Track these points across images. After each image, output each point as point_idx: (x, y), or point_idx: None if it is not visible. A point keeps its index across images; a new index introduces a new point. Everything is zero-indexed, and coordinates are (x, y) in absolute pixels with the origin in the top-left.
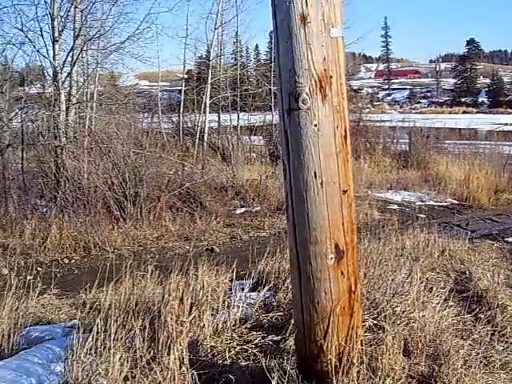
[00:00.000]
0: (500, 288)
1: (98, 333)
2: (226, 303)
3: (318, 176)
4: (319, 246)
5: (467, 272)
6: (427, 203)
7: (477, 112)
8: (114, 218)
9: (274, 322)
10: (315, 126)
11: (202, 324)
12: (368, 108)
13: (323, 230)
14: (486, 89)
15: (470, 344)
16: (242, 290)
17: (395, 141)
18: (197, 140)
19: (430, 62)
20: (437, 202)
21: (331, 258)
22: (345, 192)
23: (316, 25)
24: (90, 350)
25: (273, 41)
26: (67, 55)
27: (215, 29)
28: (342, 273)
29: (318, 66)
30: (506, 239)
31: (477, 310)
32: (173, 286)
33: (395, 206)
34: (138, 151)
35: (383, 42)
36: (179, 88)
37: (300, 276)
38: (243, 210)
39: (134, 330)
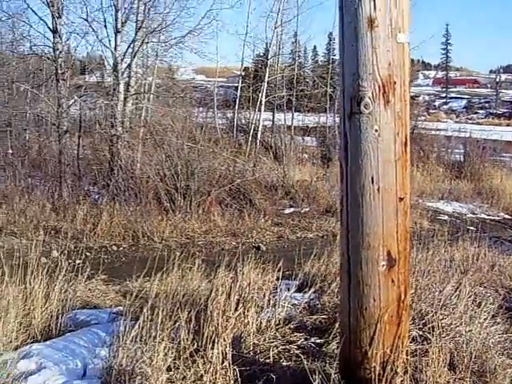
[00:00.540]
0: None
1: (144, 321)
2: (271, 302)
3: (375, 181)
4: (371, 252)
5: None
6: (478, 216)
7: None
8: (163, 209)
9: (318, 325)
10: (376, 131)
11: (246, 321)
12: (424, 116)
13: (376, 236)
14: None
15: None
16: (288, 290)
17: (449, 150)
18: (250, 137)
19: (490, 72)
20: (489, 215)
21: (383, 265)
22: (401, 199)
23: (383, 29)
24: (136, 337)
25: (338, 43)
26: (128, 46)
27: (275, 28)
28: (393, 281)
29: (383, 71)
30: None
31: None
32: (220, 281)
33: (446, 217)
34: (192, 145)
35: (443, 49)
36: (235, 85)
37: (350, 281)
38: (292, 210)
39: (180, 321)
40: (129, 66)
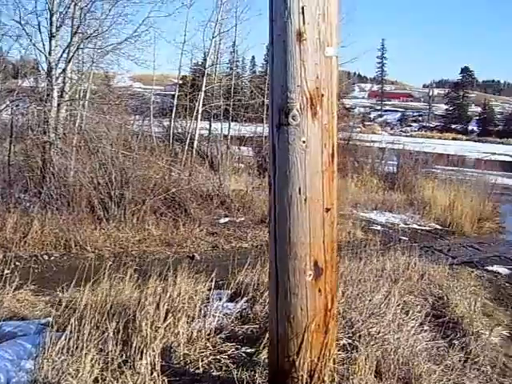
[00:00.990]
0: (476, 316)
1: (71, 332)
2: (203, 312)
3: (302, 192)
4: (299, 262)
5: (445, 297)
6: (410, 226)
7: (466, 139)
8: (97, 217)
9: (249, 334)
10: (303, 142)
11: (176, 331)
12: (359, 127)
13: (304, 246)
14: (477, 117)
15: (442, 369)
16: (220, 299)
17: (383, 162)
18: (186, 146)
19: (424, 86)
20: (420, 225)
21: (310, 275)
22: (328, 210)
23: (311, 43)
24: (62, 349)
25: (268, 55)
26: (63, 51)
27: (213, 37)
28: (320, 290)
29: (311, 83)
30: (486, 267)
31: (451, 336)
32: (150, 290)
33: (379, 227)
34: (127, 153)
35: (379, 63)
36: (173, 93)
37: (277, 290)
38: (227, 219)
39: (108, 332)
40: (63, 71)
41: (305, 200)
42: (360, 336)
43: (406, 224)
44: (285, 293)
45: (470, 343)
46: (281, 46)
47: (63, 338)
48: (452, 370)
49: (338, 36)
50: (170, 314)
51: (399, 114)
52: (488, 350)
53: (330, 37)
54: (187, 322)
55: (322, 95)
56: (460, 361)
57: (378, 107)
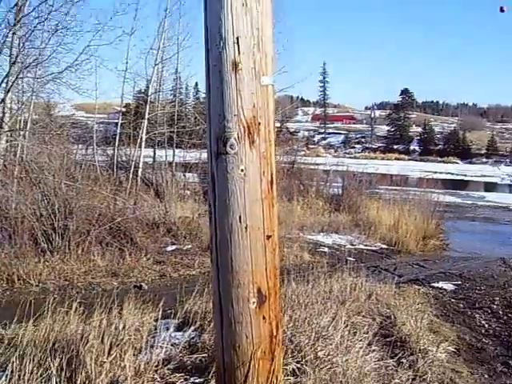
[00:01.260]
0: (423, 333)
1: (12, 372)
2: (150, 343)
3: (242, 220)
4: (242, 290)
5: (392, 316)
6: (357, 247)
7: (408, 159)
8: (40, 250)
9: (198, 364)
10: (242, 171)
11: (123, 364)
12: (303, 150)
13: (246, 274)
14: (418, 137)
15: None
16: (168, 329)
17: (328, 184)
18: (131, 174)
19: (366, 108)
20: (366, 245)
21: (253, 302)
22: (269, 237)
23: (247, 72)
24: None
25: (205, 85)
26: (1, 81)
27: (155, 65)
28: (264, 317)
29: (247, 112)
30: (432, 284)
31: (399, 354)
32: (95, 323)
33: (326, 249)
34: (70, 183)
35: (321, 86)
36: (116, 121)
37: (222, 319)
38: (174, 247)
39: (51, 369)
40: (2, 101)
41: (245, 228)
42: (308, 360)
43: (353, 245)
44: (229, 321)
45: (418, 361)
46: (217, 75)
47: (3, 378)
48: None
49: (274, 65)
50: (116, 348)
51: (342, 136)
52: (435, 366)
53: (266, 66)
54: (134, 355)
55: (259, 123)
56: (408, 379)
57: (322, 130)
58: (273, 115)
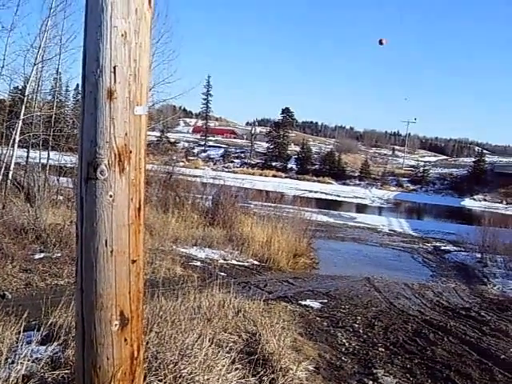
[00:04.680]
0: (285, 351)
1: None
2: (11, 359)
3: (108, 245)
4: (105, 313)
5: (257, 334)
6: (229, 262)
7: (286, 177)
8: None
9: (60, 380)
10: (110, 196)
11: None
12: (183, 162)
13: (110, 297)
14: (296, 156)
15: None
16: (30, 343)
17: (205, 197)
18: (0, 176)
19: (247, 124)
20: (239, 261)
21: (116, 325)
22: (134, 262)
23: (122, 101)
24: None
25: (80, 109)
26: None
27: (35, 64)
28: (126, 339)
29: (120, 140)
30: (300, 302)
31: (261, 372)
32: None
33: (198, 263)
34: None
35: (204, 99)
36: None
37: (84, 340)
38: (42, 255)
39: None
40: None
41: (111, 252)
42: (172, 378)
43: (225, 260)
44: (91, 343)
45: (278, 379)
46: (92, 102)
47: None
48: None
49: (147, 95)
50: None
51: (222, 149)
52: None
53: (140, 96)
54: None
55: (131, 152)
56: None
57: (202, 142)
58: (144, 144)
